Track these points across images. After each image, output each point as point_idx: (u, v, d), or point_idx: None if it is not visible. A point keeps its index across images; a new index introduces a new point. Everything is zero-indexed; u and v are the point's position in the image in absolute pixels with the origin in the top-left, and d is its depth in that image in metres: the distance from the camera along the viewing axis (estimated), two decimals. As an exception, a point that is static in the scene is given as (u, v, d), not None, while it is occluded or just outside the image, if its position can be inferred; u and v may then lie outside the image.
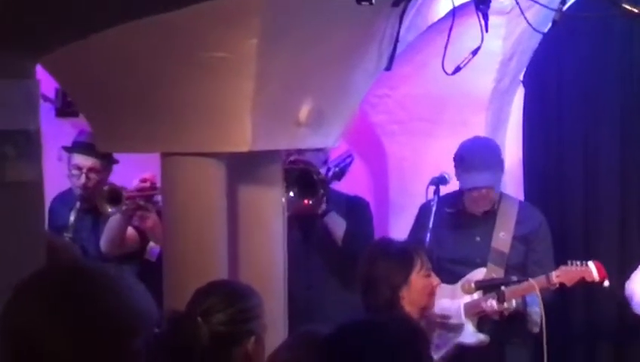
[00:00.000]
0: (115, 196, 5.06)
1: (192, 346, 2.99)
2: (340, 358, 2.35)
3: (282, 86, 3.80)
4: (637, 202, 6.02)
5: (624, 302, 5.30)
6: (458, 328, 5.01)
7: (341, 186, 5.37)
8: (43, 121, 3.69)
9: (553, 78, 6.17)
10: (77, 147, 5.31)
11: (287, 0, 3.63)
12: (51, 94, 5.41)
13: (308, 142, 4.12)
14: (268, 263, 4.13)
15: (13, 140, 3.46)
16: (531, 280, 4.77)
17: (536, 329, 4.95)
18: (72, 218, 5.35)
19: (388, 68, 4.21)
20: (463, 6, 4.48)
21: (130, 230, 5.23)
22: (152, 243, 5.27)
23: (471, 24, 4.33)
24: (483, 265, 5.12)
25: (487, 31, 4.20)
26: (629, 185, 6.03)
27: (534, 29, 4.70)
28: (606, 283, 4.91)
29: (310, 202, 5.03)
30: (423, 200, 5.16)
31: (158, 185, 4.71)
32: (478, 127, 5.68)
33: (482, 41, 4.19)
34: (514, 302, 4.90)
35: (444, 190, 5.15)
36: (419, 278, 3.95)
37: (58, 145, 5.38)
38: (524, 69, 6.14)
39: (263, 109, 3.78)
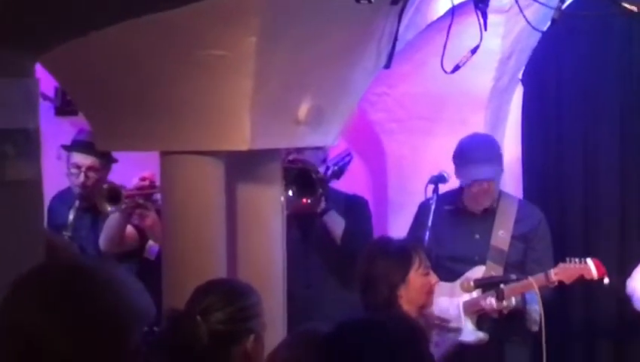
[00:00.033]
0: (115, 195, 5.06)
1: (192, 345, 2.99)
2: (339, 357, 2.35)
3: (281, 84, 3.80)
4: (636, 200, 6.03)
5: (623, 300, 5.30)
6: (457, 326, 5.02)
7: (340, 185, 5.37)
8: (42, 120, 3.70)
9: (552, 77, 6.17)
10: (76, 146, 5.31)
11: (286, -2, 3.64)
12: (50, 93, 5.42)
13: (307, 140, 4.12)
14: (267, 261, 4.13)
15: (12, 139, 3.47)
16: (530, 278, 4.77)
17: (535, 328, 4.95)
18: (71, 217, 5.35)
19: (387, 66, 4.21)
20: (462, 4, 4.48)
21: (129, 228, 5.23)
22: (151, 242, 5.27)
23: (470, 22, 4.33)
24: (482, 263, 5.13)
25: (486, 29, 4.20)
26: (629, 183, 6.03)
27: (533, 27, 4.70)
28: (605, 280, 4.92)
29: (309, 201, 5.03)
30: (422, 199, 5.16)
31: (158, 183, 4.71)
32: (477, 126, 5.68)
33: (481, 40, 4.19)
34: (513, 299, 4.91)
35: (443, 188, 5.15)
36: (417, 277, 3.95)
37: (57, 143, 5.38)
38: (523, 68, 6.14)
39: (262, 108, 3.78)
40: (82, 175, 5.28)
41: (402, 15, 4.06)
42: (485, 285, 4.87)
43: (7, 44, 3.37)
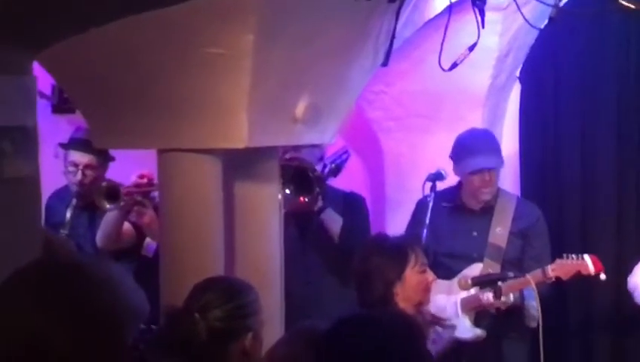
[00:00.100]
0: (113, 193, 5.07)
1: (190, 342, 2.99)
2: (336, 354, 2.35)
3: (279, 82, 3.80)
4: (633, 196, 6.03)
5: (621, 295, 5.31)
6: (454, 323, 5.02)
7: (337, 182, 5.37)
8: (39, 118, 3.70)
9: (550, 74, 6.18)
10: (73, 144, 5.31)
11: (284, -4, 3.63)
12: (48, 91, 5.41)
13: (304, 138, 4.12)
14: (264, 259, 4.13)
15: (10, 136, 3.47)
16: (528, 276, 4.78)
17: (533, 324, 4.95)
18: (68, 215, 5.35)
19: (384, 64, 4.21)
20: (459, 2, 4.48)
21: (126, 225, 5.23)
22: (148, 239, 5.28)
23: (467, 20, 4.33)
24: (480, 259, 5.13)
25: (483, 27, 4.20)
26: (626, 179, 6.04)
27: (531, 25, 4.70)
28: (602, 276, 4.92)
29: (306, 200, 5.03)
30: (420, 197, 5.16)
31: (156, 181, 4.71)
32: (474, 123, 5.68)
33: (479, 38, 4.19)
34: (511, 296, 4.91)
35: (441, 186, 5.16)
36: (413, 274, 3.94)
37: (54, 141, 5.38)
38: (521, 65, 6.14)
39: (260, 106, 3.78)
40: (80, 173, 5.28)
41: (400, 13, 4.06)
42: (483, 283, 4.87)
43: (6, 42, 3.37)
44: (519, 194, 5.85)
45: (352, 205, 5.30)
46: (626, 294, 5.18)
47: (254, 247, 4.13)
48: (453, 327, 4.98)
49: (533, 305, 4.89)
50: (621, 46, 5.98)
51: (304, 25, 3.70)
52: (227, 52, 3.61)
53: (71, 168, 5.31)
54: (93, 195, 5.14)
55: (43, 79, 4.22)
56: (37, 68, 3.86)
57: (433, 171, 5.13)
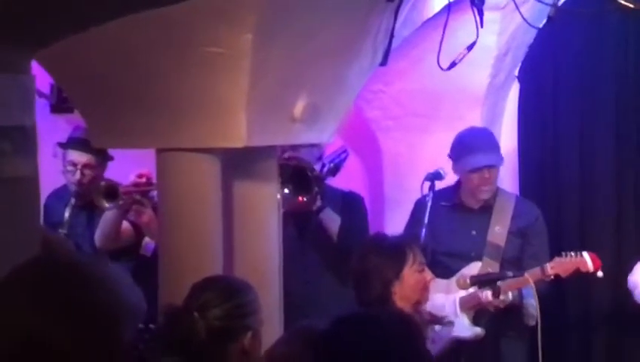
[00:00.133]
0: (112, 192, 5.07)
1: (189, 341, 2.99)
2: (335, 353, 2.35)
3: (277, 81, 3.80)
4: (632, 194, 6.04)
5: (619, 293, 5.32)
6: (452, 322, 5.02)
7: (336, 182, 5.37)
8: (38, 118, 3.69)
9: (548, 73, 6.18)
10: (72, 143, 5.31)
11: (283, -5, 3.63)
12: (46, 90, 5.40)
13: (303, 137, 4.12)
14: (263, 258, 4.13)
15: (9, 136, 3.46)
16: (526, 275, 4.78)
17: (532, 323, 4.96)
18: (66, 214, 5.34)
19: (383, 63, 4.21)
20: (458, 1, 4.48)
21: (125, 224, 5.23)
22: (147, 239, 5.28)
23: (466, 19, 4.33)
24: (478, 258, 5.13)
25: (482, 26, 4.20)
26: (624, 179, 6.04)
27: (529, 24, 4.70)
28: (599, 273, 4.93)
29: (305, 199, 5.03)
30: (419, 196, 5.16)
31: (154, 181, 4.71)
32: (473, 123, 5.68)
33: (477, 37, 4.20)
34: (510, 294, 4.91)
35: (440, 185, 5.16)
36: (411, 273, 3.94)
37: (53, 141, 5.37)
38: (520, 65, 6.14)
39: (258, 105, 3.78)
40: (78, 172, 5.28)
41: (398, 12, 4.06)
42: (481, 281, 4.87)
43: (5, 41, 3.37)
44: (518, 193, 5.85)
45: (350, 204, 5.30)
46: (625, 293, 5.19)
47: (253, 247, 4.13)
48: (452, 324, 4.98)
49: (532, 304, 4.89)
50: (620, 45, 5.99)
51: (303, 24, 3.70)
52: (226, 51, 3.61)
53: (69, 167, 5.30)
54: (91, 195, 5.14)
55: (42, 78, 4.21)
56: (35, 67, 3.85)
57: (432, 170, 5.13)
